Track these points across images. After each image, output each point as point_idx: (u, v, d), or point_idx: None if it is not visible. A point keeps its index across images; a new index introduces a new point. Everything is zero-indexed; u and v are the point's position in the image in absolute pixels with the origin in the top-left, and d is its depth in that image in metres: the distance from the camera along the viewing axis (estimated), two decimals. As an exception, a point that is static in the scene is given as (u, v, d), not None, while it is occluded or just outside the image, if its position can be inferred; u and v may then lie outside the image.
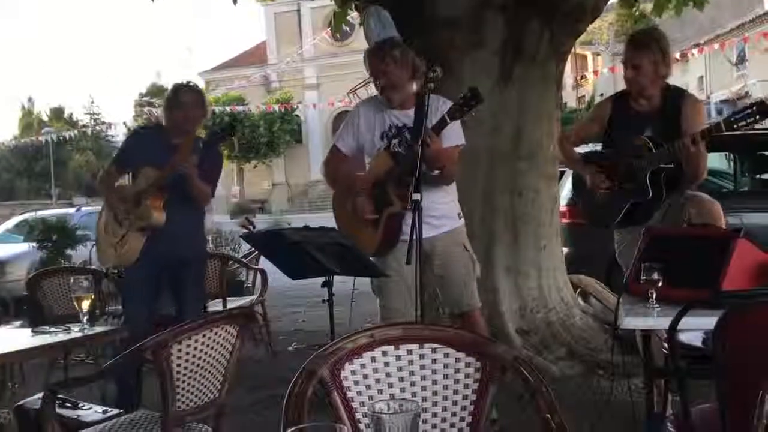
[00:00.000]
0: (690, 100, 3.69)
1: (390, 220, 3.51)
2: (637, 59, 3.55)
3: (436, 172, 3.45)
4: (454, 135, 3.51)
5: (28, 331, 3.24)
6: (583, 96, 32.23)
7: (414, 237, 3.11)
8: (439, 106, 3.42)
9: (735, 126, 3.15)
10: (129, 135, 4.68)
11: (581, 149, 4.24)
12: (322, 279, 3.55)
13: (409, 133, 3.48)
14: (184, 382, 2.47)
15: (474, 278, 3.69)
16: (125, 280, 4.26)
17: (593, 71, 27.94)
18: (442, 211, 3.57)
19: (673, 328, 2.29)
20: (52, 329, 3.10)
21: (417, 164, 3.22)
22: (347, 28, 7.64)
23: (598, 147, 4.01)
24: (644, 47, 3.55)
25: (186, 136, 4.02)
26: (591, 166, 3.81)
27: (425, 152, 3.25)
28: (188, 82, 4.28)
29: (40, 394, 2.92)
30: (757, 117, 3.10)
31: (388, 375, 1.74)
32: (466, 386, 1.74)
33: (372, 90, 3.81)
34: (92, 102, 56.84)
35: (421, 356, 1.75)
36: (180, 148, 3.93)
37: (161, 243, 3.97)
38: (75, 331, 3.04)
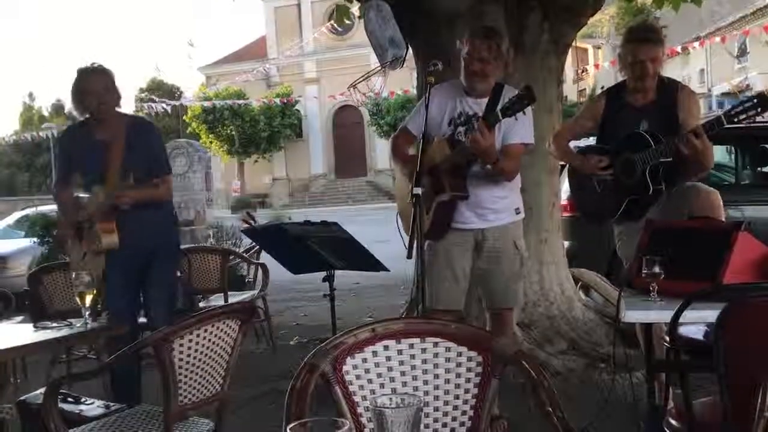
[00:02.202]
0: (685, 91, 3.67)
1: (439, 208, 3.46)
2: (645, 54, 3.49)
3: (488, 167, 3.37)
4: (520, 132, 3.42)
5: (29, 326, 3.24)
6: (584, 89, 32.21)
7: (416, 231, 3.11)
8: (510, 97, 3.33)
9: (736, 119, 3.13)
10: (59, 139, 4.25)
11: (578, 143, 4.23)
12: (323, 273, 3.55)
13: (473, 128, 3.36)
14: (186, 376, 2.47)
15: (520, 278, 3.61)
16: (106, 284, 3.99)
17: (594, 64, 27.88)
18: (500, 205, 3.51)
19: (674, 322, 2.29)
20: (54, 324, 3.10)
21: (418, 158, 3.21)
22: (348, 22, 7.61)
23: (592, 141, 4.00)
24: (654, 42, 3.52)
25: (108, 127, 3.82)
26: (589, 157, 3.78)
27: (474, 147, 3.22)
28: (93, 64, 3.89)
29: (43, 389, 2.93)
30: (759, 109, 3.08)
31: (389, 369, 1.74)
32: (468, 380, 1.74)
33: (371, 85, 3.80)
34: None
35: (423, 350, 1.75)
36: (109, 165, 3.74)
37: (127, 237, 3.80)
38: (77, 327, 3.04)
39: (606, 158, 3.65)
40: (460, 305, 3.56)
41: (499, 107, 3.23)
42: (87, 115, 3.90)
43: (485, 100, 3.45)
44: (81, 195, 3.99)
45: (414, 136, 3.67)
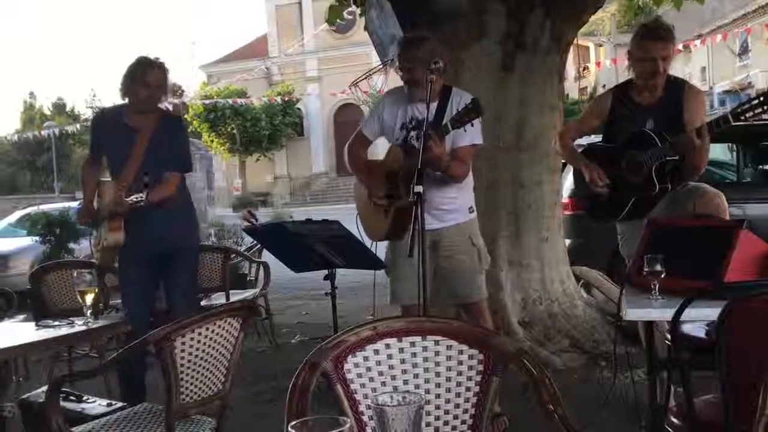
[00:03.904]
0: (692, 91, 3.66)
1: (398, 213, 3.57)
2: (657, 51, 3.48)
3: (438, 173, 3.47)
4: (470, 134, 3.50)
5: (31, 324, 3.25)
6: (585, 87, 32.17)
7: (417, 229, 3.13)
8: (460, 102, 3.43)
9: (742, 117, 3.13)
10: (93, 118, 4.41)
11: (583, 140, 4.23)
12: (324, 272, 3.56)
13: (425, 136, 3.44)
14: (187, 374, 2.48)
15: (480, 271, 3.72)
16: (120, 277, 4.13)
17: (595, 62, 27.84)
18: (452, 205, 3.61)
19: (676, 320, 2.29)
20: (56, 323, 3.11)
21: (420, 156, 3.23)
22: (349, 17, 7.60)
23: (598, 138, 3.99)
24: (666, 39, 3.51)
25: (141, 117, 3.88)
26: (592, 163, 3.76)
27: (426, 155, 3.30)
28: (156, 59, 3.98)
29: (45, 388, 2.93)
30: (765, 107, 3.08)
31: (390, 367, 1.74)
32: (469, 378, 1.74)
33: (372, 83, 3.84)
34: (94, 96, 56.52)
35: (424, 348, 1.75)
36: (132, 154, 3.82)
37: (148, 235, 3.84)
38: (78, 325, 3.04)
39: (610, 175, 3.64)
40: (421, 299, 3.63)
41: (448, 119, 3.34)
42: (126, 101, 3.96)
43: (434, 105, 3.53)
44: (104, 180, 4.08)
45: (369, 140, 3.82)
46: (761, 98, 3.07)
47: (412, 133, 3.60)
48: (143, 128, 3.89)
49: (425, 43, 3.55)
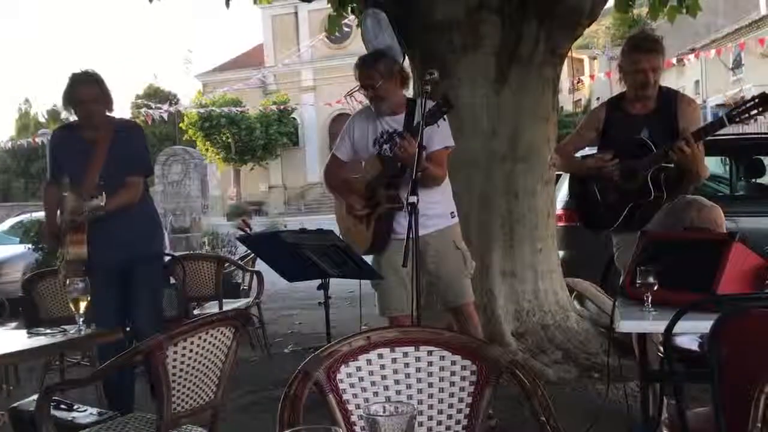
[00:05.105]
0: (684, 100, 3.70)
1: (378, 221, 3.67)
2: (646, 63, 3.52)
3: (418, 174, 3.47)
4: (441, 137, 3.61)
5: (23, 332, 3.23)
6: (580, 100, 32.36)
7: (411, 238, 3.14)
8: (425, 108, 3.48)
9: (738, 119, 3.15)
10: (49, 141, 4.24)
11: (577, 154, 4.24)
12: (318, 281, 3.55)
13: (399, 138, 3.56)
14: (179, 384, 2.46)
15: (466, 275, 3.78)
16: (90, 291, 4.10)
17: (589, 75, 27.97)
18: (435, 210, 3.66)
19: (668, 332, 2.29)
20: (48, 331, 3.09)
21: (414, 167, 3.26)
22: (347, 29, 7.64)
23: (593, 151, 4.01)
24: (654, 51, 3.55)
25: (94, 130, 3.87)
26: (594, 159, 3.79)
27: (400, 155, 3.43)
28: (85, 71, 3.91)
29: (36, 396, 2.91)
30: (760, 109, 3.10)
31: (383, 377, 1.74)
32: (462, 389, 1.74)
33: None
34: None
35: (417, 359, 1.75)
36: (90, 168, 3.79)
37: (113, 242, 3.82)
38: (71, 333, 3.03)
39: (610, 153, 3.67)
40: (409, 309, 3.63)
41: (420, 117, 3.40)
42: (75, 117, 3.95)
43: (401, 116, 3.68)
44: (65, 194, 3.97)
45: (343, 162, 3.92)
46: (756, 100, 3.10)
47: (385, 146, 3.69)
48: (100, 141, 3.87)
49: (383, 59, 3.70)
